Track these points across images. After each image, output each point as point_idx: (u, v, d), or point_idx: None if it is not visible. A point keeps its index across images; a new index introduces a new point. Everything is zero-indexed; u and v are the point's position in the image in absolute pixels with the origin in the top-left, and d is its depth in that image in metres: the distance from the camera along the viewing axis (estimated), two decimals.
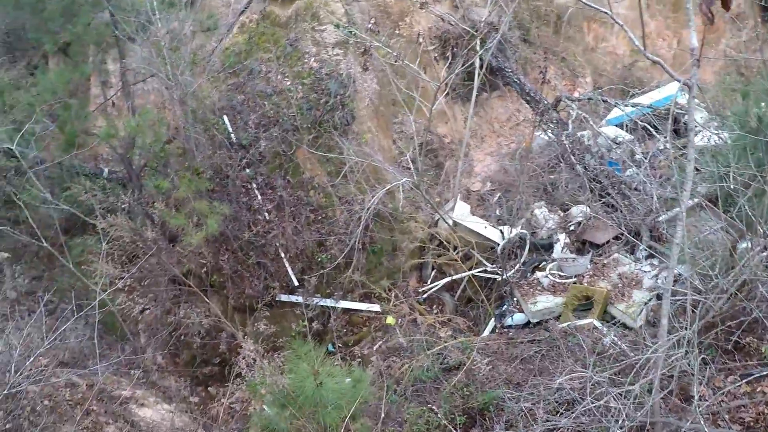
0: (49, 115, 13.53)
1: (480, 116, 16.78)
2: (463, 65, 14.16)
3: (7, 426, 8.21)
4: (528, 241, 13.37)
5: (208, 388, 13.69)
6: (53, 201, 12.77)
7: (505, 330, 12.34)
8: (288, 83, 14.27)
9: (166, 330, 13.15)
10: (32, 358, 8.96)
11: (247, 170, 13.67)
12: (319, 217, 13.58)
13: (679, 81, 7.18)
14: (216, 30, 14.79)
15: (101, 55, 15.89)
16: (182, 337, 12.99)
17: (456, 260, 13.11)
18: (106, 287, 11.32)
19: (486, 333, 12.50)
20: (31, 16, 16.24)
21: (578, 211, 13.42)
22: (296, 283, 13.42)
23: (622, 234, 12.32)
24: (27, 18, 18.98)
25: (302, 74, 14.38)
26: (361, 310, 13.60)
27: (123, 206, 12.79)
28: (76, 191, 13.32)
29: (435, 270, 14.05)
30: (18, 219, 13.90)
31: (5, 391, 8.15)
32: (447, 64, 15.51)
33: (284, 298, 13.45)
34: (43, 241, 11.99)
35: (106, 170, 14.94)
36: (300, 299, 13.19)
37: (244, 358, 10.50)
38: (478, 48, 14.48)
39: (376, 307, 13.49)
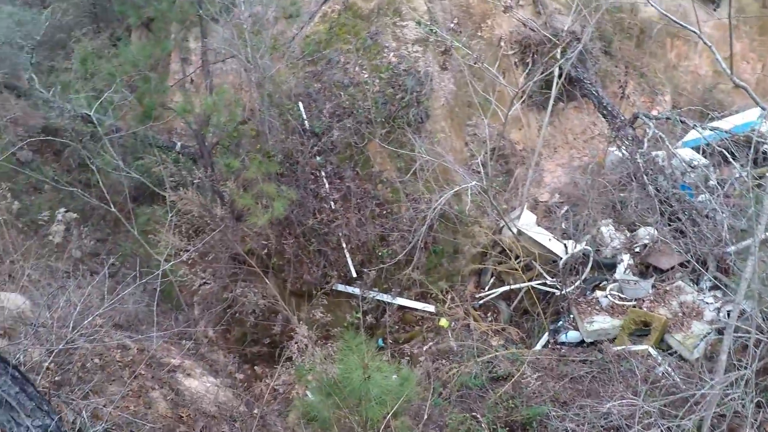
0: (128, 86, 13.86)
1: (554, 126, 16.59)
2: (542, 73, 13.99)
3: (56, 378, 8.42)
4: (591, 259, 13.18)
5: (255, 367, 13.90)
6: (125, 168, 13.07)
7: (558, 346, 12.22)
8: (365, 76, 14.35)
9: (220, 305, 13.39)
10: (90, 318, 9.16)
11: (318, 158, 13.82)
12: (384, 212, 13.65)
13: (764, 108, 6.98)
14: (298, 17, 14.90)
15: (184, 32, 16.15)
16: (236, 315, 13.17)
17: (516, 270, 12.92)
18: (170, 258, 11.54)
19: (538, 347, 12.41)
20: None
21: (645, 233, 13.16)
22: (354, 275, 13.51)
23: (688, 261, 12.03)
24: None
25: (380, 68, 14.44)
26: (416, 309, 13.63)
27: (193, 181, 13.07)
28: (149, 162, 13.68)
29: (494, 277, 13.96)
30: (89, 182, 14.39)
31: (60, 346, 8.35)
32: (526, 71, 15.37)
33: (341, 287, 13.56)
34: (111, 205, 12.29)
35: (178, 144, 15.29)
36: (357, 291, 13.27)
37: (296, 342, 10.60)
38: (558, 56, 14.29)
39: (430, 308, 13.50)
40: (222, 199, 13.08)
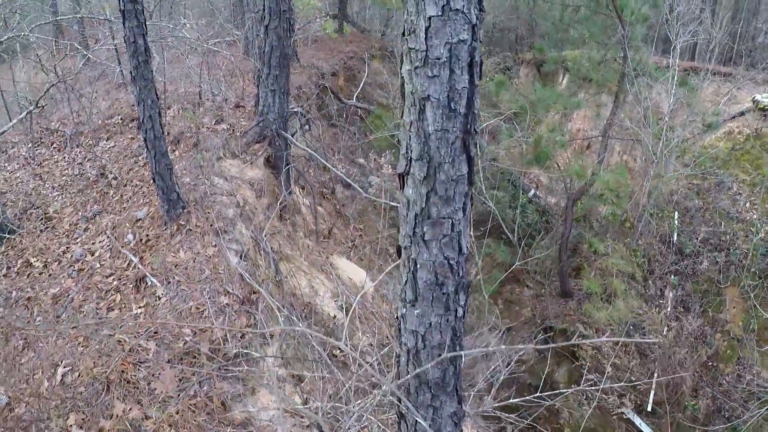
0: (511, 120, 13.72)
1: None
2: None
3: None
4: None
5: None
6: (484, 194, 13.05)
7: None
8: (754, 216, 13.19)
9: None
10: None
11: (673, 277, 12.92)
12: (710, 364, 12.40)
13: None
14: (716, 129, 14.01)
15: (598, 94, 15.70)
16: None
17: None
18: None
19: None
20: (536, 31, 16.69)
21: None
22: (649, 409, 12.50)
23: None
24: (524, 29, 20.02)
25: None
26: None
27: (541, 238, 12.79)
28: (502, 196, 13.57)
29: None
30: None
31: None
32: None
33: (632, 416, 12.56)
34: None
35: (533, 192, 15.09)
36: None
37: None
38: None
39: None
40: (563, 276, 12.59)
